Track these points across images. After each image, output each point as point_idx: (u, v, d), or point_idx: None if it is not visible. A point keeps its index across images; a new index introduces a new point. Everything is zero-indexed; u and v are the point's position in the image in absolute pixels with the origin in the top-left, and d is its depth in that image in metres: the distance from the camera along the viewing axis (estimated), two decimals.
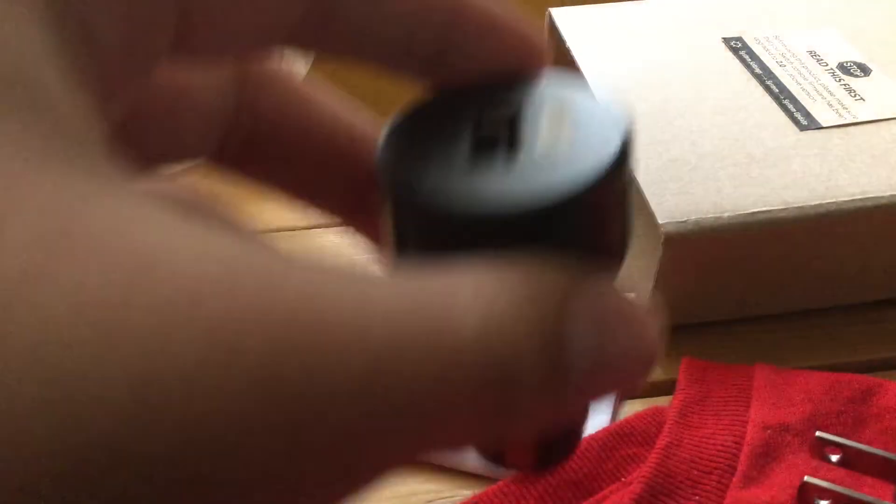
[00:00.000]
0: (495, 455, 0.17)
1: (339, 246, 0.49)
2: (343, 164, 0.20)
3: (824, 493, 0.31)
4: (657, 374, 0.40)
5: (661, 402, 0.38)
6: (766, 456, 0.33)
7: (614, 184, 0.14)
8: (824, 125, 0.44)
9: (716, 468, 0.33)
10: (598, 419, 0.37)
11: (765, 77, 0.47)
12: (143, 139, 0.18)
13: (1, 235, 0.10)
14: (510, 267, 0.12)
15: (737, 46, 0.49)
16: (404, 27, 0.16)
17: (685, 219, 0.38)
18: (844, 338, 0.42)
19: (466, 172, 0.14)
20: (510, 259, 0.12)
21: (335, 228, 0.51)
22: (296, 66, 0.58)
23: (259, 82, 0.19)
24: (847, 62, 0.48)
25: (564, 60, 0.49)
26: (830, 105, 0.45)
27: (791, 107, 0.45)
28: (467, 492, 0.33)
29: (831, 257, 0.41)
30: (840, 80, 0.47)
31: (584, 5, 0.52)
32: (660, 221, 0.38)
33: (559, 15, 0.51)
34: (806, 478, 0.32)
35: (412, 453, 0.12)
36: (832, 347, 0.41)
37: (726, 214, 0.38)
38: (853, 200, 0.39)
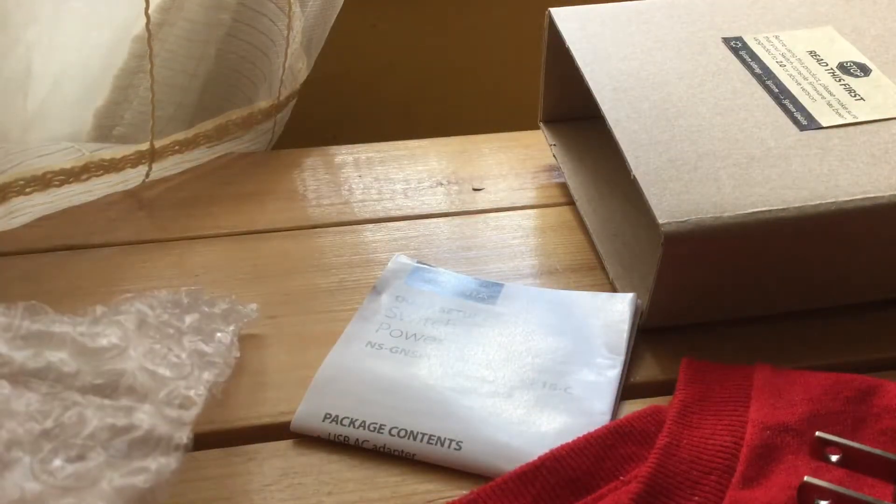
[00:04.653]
0: None
1: (338, 245, 0.49)
2: None
3: (824, 493, 0.31)
4: (657, 374, 0.40)
5: (661, 401, 0.38)
6: (766, 456, 0.33)
7: None
8: (824, 125, 0.44)
9: (715, 468, 0.33)
10: (597, 418, 0.37)
11: (765, 77, 0.47)
12: None
13: None
14: None
15: (737, 46, 0.49)
16: None
17: (685, 219, 0.38)
18: (844, 338, 0.42)
19: None
20: None
21: (335, 228, 0.52)
22: (296, 65, 0.58)
23: None
24: (847, 62, 0.48)
25: (564, 60, 0.49)
26: (830, 105, 0.45)
27: (791, 107, 0.45)
28: (467, 491, 0.33)
29: (831, 257, 0.41)
30: (840, 80, 0.47)
31: (584, 5, 0.52)
32: (660, 221, 0.38)
33: (559, 15, 0.51)
34: (806, 478, 0.32)
35: None
36: (832, 347, 0.41)
37: (726, 214, 0.38)
38: (853, 200, 0.39)
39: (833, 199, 0.39)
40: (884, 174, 0.41)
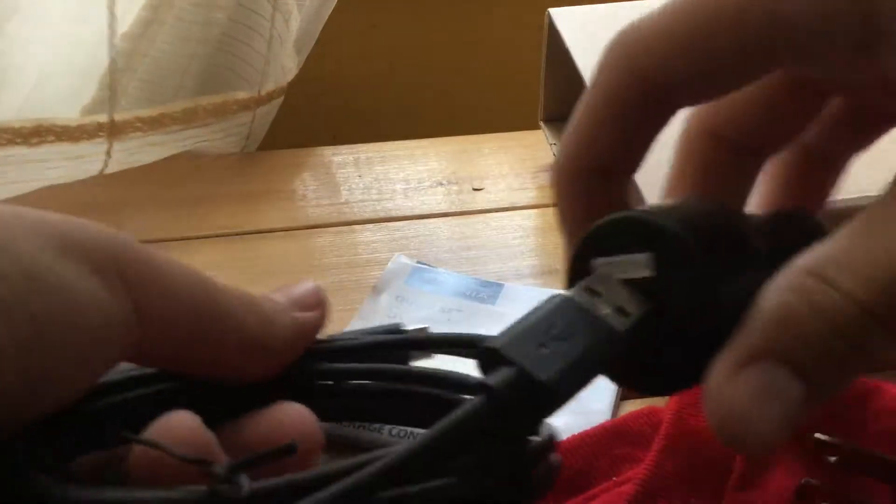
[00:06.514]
0: None
1: (338, 246, 0.49)
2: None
3: (822, 494, 0.31)
4: None
5: (659, 402, 0.38)
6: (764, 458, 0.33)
7: None
8: None
9: (712, 470, 0.33)
10: (596, 417, 0.37)
11: None
12: None
13: None
14: None
15: None
16: None
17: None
18: None
19: None
20: None
21: (335, 228, 0.51)
22: (286, 62, 0.58)
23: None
24: None
25: (564, 60, 0.49)
26: None
27: None
28: None
29: None
30: None
31: (584, 5, 0.52)
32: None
33: (559, 15, 0.51)
34: (804, 480, 0.32)
35: None
36: None
37: None
38: (853, 200, 0.39)
39: (833, 199, 0.39)
40: (882, 174, 0.40)
